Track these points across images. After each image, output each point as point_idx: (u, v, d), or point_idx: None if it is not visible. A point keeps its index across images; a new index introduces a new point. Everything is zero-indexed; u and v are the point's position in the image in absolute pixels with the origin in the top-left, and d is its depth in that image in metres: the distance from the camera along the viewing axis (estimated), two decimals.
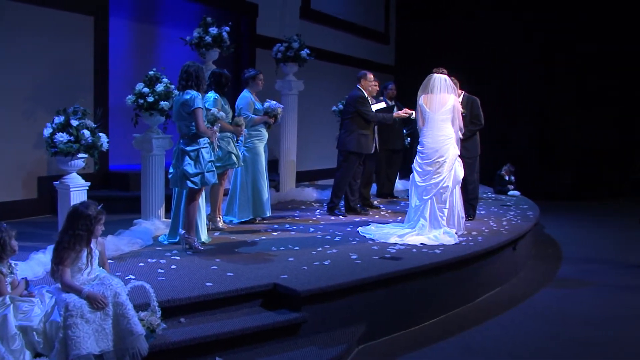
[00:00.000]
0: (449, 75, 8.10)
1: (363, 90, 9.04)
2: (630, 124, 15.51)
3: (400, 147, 11.10)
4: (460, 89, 8.83)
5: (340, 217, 9.01)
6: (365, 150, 9.05)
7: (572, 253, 9.77)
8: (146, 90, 7.23)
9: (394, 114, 9.27)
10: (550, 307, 7.00)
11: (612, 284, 7.95)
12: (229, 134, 7.59)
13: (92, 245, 4.51)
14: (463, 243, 7.32)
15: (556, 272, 8.62)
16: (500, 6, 16.07)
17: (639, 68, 15.61)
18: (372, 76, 9.19)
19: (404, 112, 9.15)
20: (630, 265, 8.82)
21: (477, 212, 9.41)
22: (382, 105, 9.56)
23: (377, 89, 9.94)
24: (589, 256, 9.54)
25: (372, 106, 9.21)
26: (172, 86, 7.28)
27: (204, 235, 7.03)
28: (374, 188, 10.97)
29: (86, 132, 5.95)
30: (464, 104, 8.70)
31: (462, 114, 8.15)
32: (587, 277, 8.31)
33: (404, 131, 11.19)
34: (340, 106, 10.59)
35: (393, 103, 9.64)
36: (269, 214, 8.44)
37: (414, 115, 8.61)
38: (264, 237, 7.49)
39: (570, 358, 5.54)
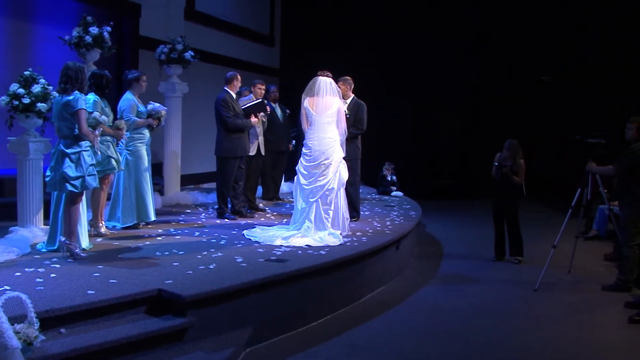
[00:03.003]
0: (339, 78, 8.25)
1: (230, 92, 9.05)
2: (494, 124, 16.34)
3: (285, 148, 11.18)
4: (352, 92, 9.03)
5: (229, 220, 8.98)
6: (241, 152, 9.07)
7: (452, 250, 10.20)
8: (21, 91, 6.92)
9: (253, 121, 9.30)
10: (432, 303, 7.27)
11: (490, 279, 8.37)
12: (108, 137, 7.40)
13: None
14: (348, 244, 7.47)
15: (438, 269, 8.96)
16: (383, 11, 16.55)
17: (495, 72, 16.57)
18: (239, 76, 9.23)
19: (260, 117, 9.31)
20: (506, 261, 9.30)
21: (362, 212, 9.63)
22: (252, 101, 9.61)
23: (263, 92, 10.00)
24: (468, 253, 9.97)
25: (241, 102, 9.29)
26: (51, 87, 7.01)
27: (85, 242, 6.81)
28: (259, 191, 11.00)
29: None
30: (350, 106, 8.89)
31: (345, 115, 8.32)
32: (467, 273, 8.70)
33: (290, 133, 11.29)
34: None
35: (261, 99, 9.68)
36: (152, 218, 8.29)
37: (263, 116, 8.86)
38: (148, 242, 7.35)
39: (453, 351, 5.76)
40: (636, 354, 5.72)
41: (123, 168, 7.83)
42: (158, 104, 8.21)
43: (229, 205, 9.28)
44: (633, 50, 16.07)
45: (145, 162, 8.12)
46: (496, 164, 9.08)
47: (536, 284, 7.80)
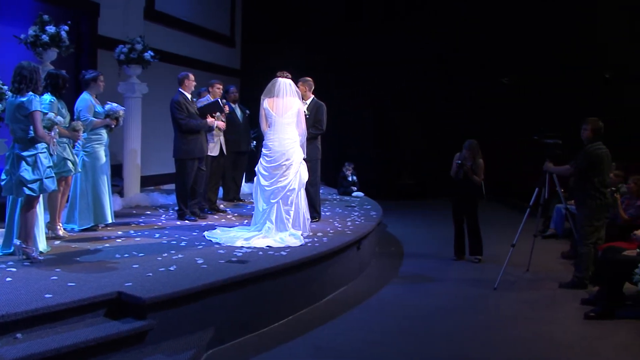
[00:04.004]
0: (298, 79, 8.26)
1: (185, 93, 9.01)
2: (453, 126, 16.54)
3: (246, 149, 11.15)
4: (311, 93, 9.04)
5: (189, 222, 8.92)
6: (198, 153, 9.03)
7: (413, 250, 10.28)
8: None
9: (209, 121, 9.27)
10: (393, 302, 7.31)
11: (450, 278, 8.46)
12: (64, 139, 7.27)
13: None
14: (309, 244, 7.48)
15: (399, 269, 9.03)
16: (344, 12, 16.62)
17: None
18: (192, 76, 9.18)
19: (219, 121, 9.31)
20: (466, 260, 9.41)
21: (323, 213, 9.65)
22: (208, 100, 9.59)
23: (220, 92, 9.97)
24: (428, 252, 10.06)
25: (200, 103, 9.26)
26: (5, 87, 6.88)
27: (42, 245, 6.68)
28: (220, 192, 10.94)
29: None
30: (310, 107, 8.91)
31: (305, 116, 8.34)
32: (427, 272, 8.78)
33: (251, 133, 11.26)
34: None
35: (217, 99, 9.66)
36: (110, 220, 8.18)
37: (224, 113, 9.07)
38: (107, 245, 7.26)
39: (415, 349, 5.80)
40: (591, 349, 5.84)
41: (80, 170, 7.71)
42: (116, 104, 8.12)
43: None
44: (589, 53, 16.40)
45: (103, 163, 8.01)
46: (458, 162, 9.18)
47: (495, 283, 7.90)
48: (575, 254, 8.58)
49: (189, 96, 9.15)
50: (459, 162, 9.17)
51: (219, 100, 9.64)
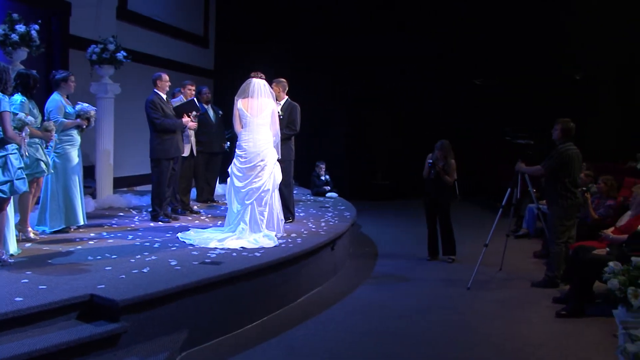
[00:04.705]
0: (272, 79, 8.25)
1: (159, 93, 8.97)
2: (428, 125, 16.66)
3: (219, 150, 11.11)
4: (285, 94, 9.04)
5: (163, 223, 8.87)
6: (174, 153, 9.00)
7: (386, 250, 10.33)
8: None
9: (184, 120, 9.24)
10: (367, 302, 7.34)
11: (424, 278, 8.51)
12: (37, 139, 7.17)
13: None
14: (283, 245, 7.48)
15: (373, 269, 9.06)
16: (318, 12, 16.65)
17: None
18: (167, 76, 9.16)
19: (192, 121, 9.27)
20: (439, 260, 9.47)
21: (297, 214, 9.65)
22: (181, 101, 9.57)
23: (192, 92, 9.95)
24: (402, 252, 10.10)
25: (173, 103, 9.23)
26: None
27: (13, 247, 6.59)
28: (193, 193, 10.89)
29: None
30: (284, 108, 8.91)
31: (279, 116, 8.34)
32: (401, 272, 8.82)
33: (225, 134, 11.22)
34: None
35: (192, 98, 9.64)
36: (82, 222, 8.08)
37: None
38: (79, 247, 7.19)
39: (389, 349, 5.82)
40: (562, 347, 5.91)
41: (52, 171, 7.62)
42: (87, 104, 8.04)
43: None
44: (561, 53, 16.59)
45: (75, 164, 7.92)
46: (430, 162, 9.24)
47: (469, 282, 7.96)
48: (547, 253, 8.68)
49: (164, 96, 9.10)
50: (431, 162, 9.23)
51: (195, 100, 9.63)
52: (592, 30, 16.39)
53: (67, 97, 8.06)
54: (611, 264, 5.09)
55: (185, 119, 9.24)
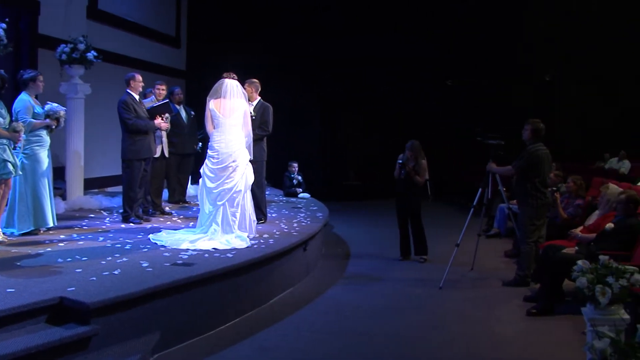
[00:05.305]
0: (245, 80, 8.22)
1: (132, 93, 8.92)
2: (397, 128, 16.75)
3: (191, 151, 11.06)
4: (258, 94, 9.02)
5: (134, 224, 8.80)
6: (145, 154, 8.95)
7: (359, 250, 10.36)
8: None
9: (157, 122, 9.18)
10: (340, 303, 7.35)
11: (396, 278, 8.55)
12: (4, 140, 7.07)
13: None
14: (255, 246, 7.46)
15: (345, 270, 9.07)
16: (290, 12, 16.66)
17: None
18: (140, 77, 9.10)
19: (164, 122, 9.23)
20: (412, 260, 9.52)
21: (269, 215, 9.64)
22: (154, 102, 9.51)
23: (165, 93, 9.89)
24: (374, 253, 10.14)
25: (144, 104, 9.18)
26: None
27: None
28: (165, 194, 10.81)
29: None
30: (256, 108, 8.89)
31: (251, 117, 8.32)
32: (374, 272, 8.85)
33: (198, 135, 11.17)
34: None
35: (166, 100, 9.60)
36: (51, 224, 7.99)
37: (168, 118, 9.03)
38: (49, 249, 7.09)
39: (361, 349, 5.84)
40: (532, 345, 5.97)
41: (20, 172, 7.51)
42: (56, 105, 7.95)
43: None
44: (531, 55, 16.80)
45: (44, 165, 7.83)
46: (400, 161, 9.28)
47: (441, 282, 8.02)
48: (517, 252, 8.77)
49: (137, 97, 9.03)
50: (400, 162, 9.28)
51: (168, 101, 9.58)
52: (562, 32, 16.63)
53: (36, 97, 7.96)
54: (580, 262, 5.15)
55: (158, 121, 9.17)
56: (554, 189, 9.46)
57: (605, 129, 16.72)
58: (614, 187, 8.14)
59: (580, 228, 8.07)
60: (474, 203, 8.53)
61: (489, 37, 16.83)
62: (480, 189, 8.49)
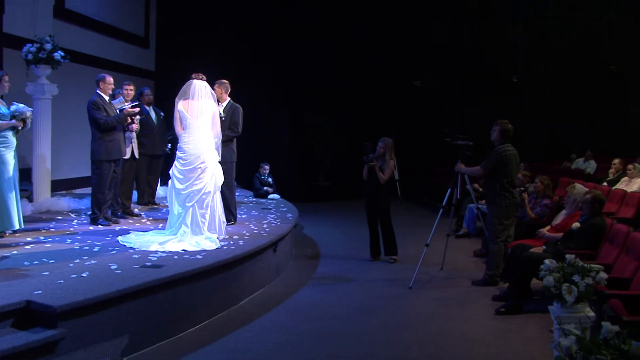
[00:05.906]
0: (214, 81, 8.18)
1: (102, 94, 8.85)
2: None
3: (161, 152, 10.98)
4: (227, 95, 8.99)
5: (102, 226, 8.72)
6: (115, 155, 8.88)
7: (329, 251, 10.38)
8: None
9: (126, 110, 9.10)
10: (310, 303, 7.36)
11: (366, 278, 8.58)
12: None
13: None
14: (225, 247, 7.43)
15: (315, 270, 9.08)
16: (260, 14, 16.64)
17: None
18: (111, 78, 9.04)
19: (134, 122, 9.20)
20: (381, 260, 9.56)
21: (238, 216, 9.62)
22: (122, 103, 9.47)
23: (133, 93, 9.82)
24: (344, 253, 10.17)
25: (114, 104, 9.12)
26: None
27: None
28: (134, 195, 10.73)
29: None
30: (226, 110, 8.86)
31: (221, 118, 8.30)
32: (344, 273, 8.87)
33: (167, 135, 11.10)
34: None
35: (137, 102, 9.55)
36: (17, 226, 7.86)
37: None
38: (15, 252, 6.99)
39: (331, 350, 5.84)
40: (501, 343, 6.04)
41: None
42: (22, 105, 7.84)
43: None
44: (501, 56, 16.98)
45: (9, 167, 7.70)
46: (365, 158, 9.30)
47: (410, 282, 8.07)
48: (486, 252, 8.86)
49: (107, 98, 8.94)
50: (365, 157, 9.30)
51: (138, 102, 9.54)
52: (530, 33, 16.83)
53: (2, 98, 7.84)
54: (547, 261, 5.22)
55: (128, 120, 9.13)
56: (522, 189, 9.57)
57: (572, 130, 16.98)
58: (580, 187, 8.26)
59: (548, 227, 8.18)
60: (443, 203, 8.60)
61: (456, 38, 16.98)
62: (449, 190, 8.56)
